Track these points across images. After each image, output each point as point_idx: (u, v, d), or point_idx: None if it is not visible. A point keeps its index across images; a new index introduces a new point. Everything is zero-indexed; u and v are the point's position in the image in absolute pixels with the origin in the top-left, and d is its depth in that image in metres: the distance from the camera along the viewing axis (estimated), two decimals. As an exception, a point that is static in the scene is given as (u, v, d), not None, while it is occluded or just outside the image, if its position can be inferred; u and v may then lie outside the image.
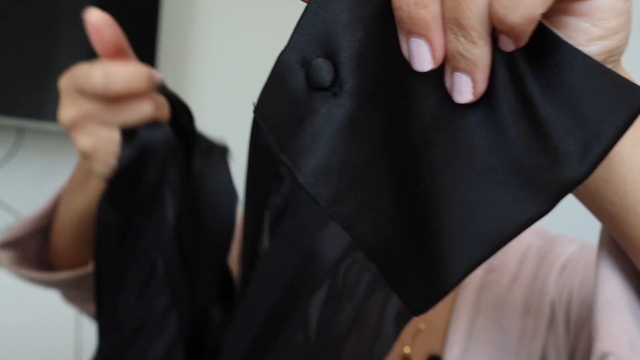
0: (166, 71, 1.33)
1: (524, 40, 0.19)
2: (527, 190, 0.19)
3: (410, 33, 0.19)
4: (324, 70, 0.19)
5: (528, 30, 0.18)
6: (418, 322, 0.46)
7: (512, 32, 0.18)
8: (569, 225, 0.84)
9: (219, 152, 0.40)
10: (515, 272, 0.45)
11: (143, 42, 1.17)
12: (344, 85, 0.19)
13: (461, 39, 0.18)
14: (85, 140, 0.33)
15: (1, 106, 0.99)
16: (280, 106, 0.20)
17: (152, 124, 0.33)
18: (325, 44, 0.19)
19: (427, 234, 0.20)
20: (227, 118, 1.44)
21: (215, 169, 0.38)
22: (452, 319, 0.44)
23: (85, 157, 0.34)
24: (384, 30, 0.20)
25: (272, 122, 0.20)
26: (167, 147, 0.34)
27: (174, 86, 1.33)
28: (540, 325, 0.42)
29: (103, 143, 0.33)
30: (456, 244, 0.20)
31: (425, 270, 0.21)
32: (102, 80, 0.31)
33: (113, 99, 0.32)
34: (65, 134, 1.01)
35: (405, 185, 0.21)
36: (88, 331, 0.87)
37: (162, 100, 0.35)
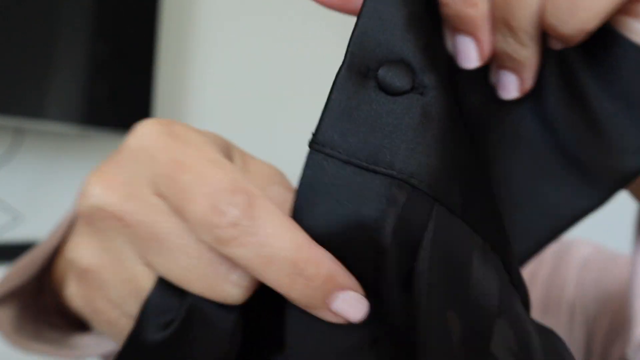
0: (166, 71, 1.33)
1: (575, 45, 0.18)
2: (580, 184, 0.19)
3: (456, 30, 0.18)
4: (400, 73, 0.17)
5: (579, 40, 0.18)
6: None
7: (563, 40, 0.18)
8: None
9: None
10: (533, 272, 0.46)
11: (143, 42, 1.17)
12: (424, 82, 0.17)
13: (509, 39, 0.18)
14: (89, 249, 0.18)
15: None
16: (360, 127, 0.17)
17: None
18: (390, 48, 0.17)
19: None
20: (227, 118, 1.45)
21: None
22: None
23: (77, 274, 0.19)
24: (439, 23, 0.19)
25: (354, 148, 0.17)
26: (224, 340, 0.18)
27: (174, 86, 1.33)
28: (560, 322, 0.42)
29: (120, 268, 0.18)
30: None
31: None
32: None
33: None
34: (65, 134, 1.00)
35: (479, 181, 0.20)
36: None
37: None
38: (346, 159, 0.17)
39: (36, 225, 1.13)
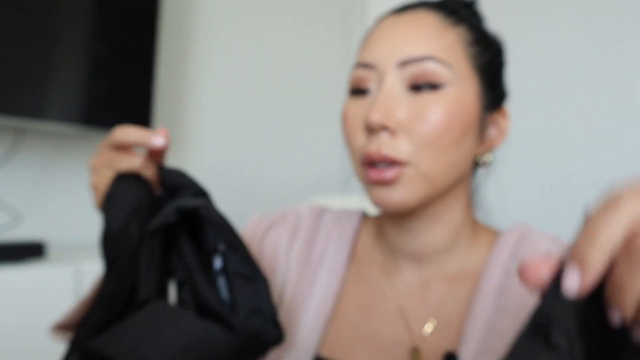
0: (166, 71, 1.33)
1: None
2: None
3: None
4: (563, 336, 0.23)
5: None
6: (428, 319, 0.47)
7: None
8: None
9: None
10: None
11: (143, 42, 1.18)
12: (574, 347, 0.23)
13: None
14: (93, 178, 0.44)
15: None
16: None
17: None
18: (560, 318, 0.23)
19: None
20: (226, 118, 1.45)
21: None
22: (469, 317, 0.45)
23: (92, 189, 0.44)
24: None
25: None
26: (138, 199, 0.40)
27: (174, 86, 1.33)
28: None
29: (102, 180, 0.43)
30: None
31: None
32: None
33: (121, 147, 0.42)
34: (65, 134, 1.01)
35: None
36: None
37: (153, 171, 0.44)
38: None
39: (36, 225, 1.13)
